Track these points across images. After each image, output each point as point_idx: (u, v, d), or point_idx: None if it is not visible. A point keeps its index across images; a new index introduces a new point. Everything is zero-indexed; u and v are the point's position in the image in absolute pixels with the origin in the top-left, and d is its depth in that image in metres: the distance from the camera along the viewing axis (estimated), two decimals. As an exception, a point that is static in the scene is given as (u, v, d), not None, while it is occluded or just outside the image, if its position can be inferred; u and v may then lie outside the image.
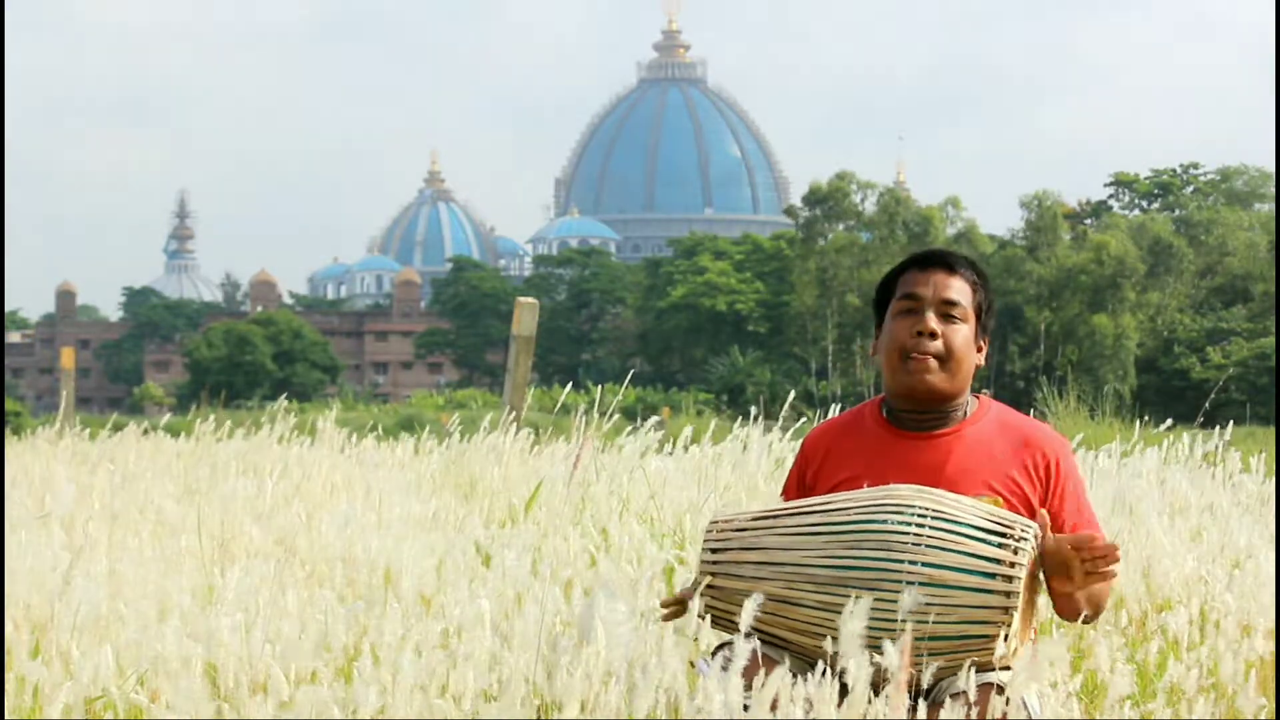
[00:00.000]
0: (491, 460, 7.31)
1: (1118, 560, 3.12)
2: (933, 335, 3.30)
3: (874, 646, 2.89)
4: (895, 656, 2.76)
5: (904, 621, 2.97)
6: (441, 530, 5.51)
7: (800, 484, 3.51)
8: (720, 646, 3.24)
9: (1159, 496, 6.09)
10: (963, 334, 3.34)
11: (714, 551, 3.24)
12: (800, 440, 3.74)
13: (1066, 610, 3.28)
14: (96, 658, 3.53)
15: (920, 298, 3.33)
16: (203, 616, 3.78)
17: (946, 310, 3.33)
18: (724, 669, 2.82)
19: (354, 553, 4.78)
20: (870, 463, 3.38)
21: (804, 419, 9.41)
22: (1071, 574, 3.12)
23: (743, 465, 7.19)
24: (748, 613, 2.90)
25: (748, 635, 3.08)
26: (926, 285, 3.34)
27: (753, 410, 8.32)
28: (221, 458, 8.08)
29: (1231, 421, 7.85)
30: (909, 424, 3.39)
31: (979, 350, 3.41)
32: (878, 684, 2.86)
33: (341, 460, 7.47)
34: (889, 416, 3.42)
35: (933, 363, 3.31)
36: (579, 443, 6.95)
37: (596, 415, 7.71)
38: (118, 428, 9.77)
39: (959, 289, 3.35)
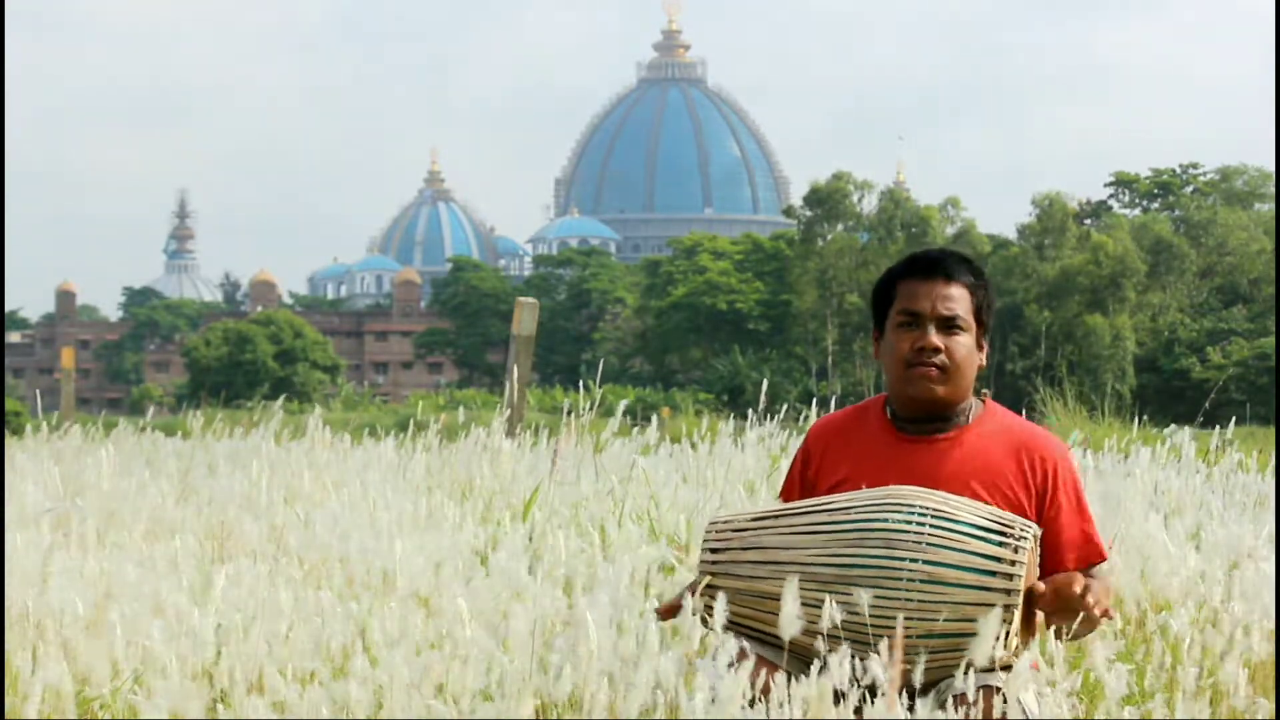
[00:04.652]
0: (487, 459, 7.29)
1: (1101, 605, 3.13)
2: (935, 350, 3.32)
3: (875, 644, 2.89)
4: (886, 656, 2.76)
5: (906, 619, 2.97)
6: (438, 530, 5.50)
7: (803, 477, 3.51)
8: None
9: (1153, 496, 6.08)
10: (964, 344, 3.35)
11: (713, 551, 3.24)
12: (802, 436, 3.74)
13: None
14: (92, 658, 3.52)
15: (920, 313, 3.33)
16: (198, 616, 3.76)
17: (947, 323, 3.34)
18: (729, 667, 2.81)
19: (350, 552, 4.76)
20: (869, 463, 3.39)
21: (805, 419, 9.39)
22: (1070, 620, 3.17)
23: (738, 464, 7.18)
24: (719, 612, 2.91)
25: (744, 635, 3.07)
26: (927, 299, 3.34)
27: (750, 414, 8.30)
28: (215, 456, 8.07)
29: (1228, 422, 7.81)
30: (910, 427, 3.39)
31: (980, 349, 3.41)
32: (874, 684, 2.85)
33: (334, 459, 7.45)
34: (892, 418, 3.42)
35: (935, 373, 3.33)
36: (559, 440, 6.93)
37: (586, 414, 7.67)
38: (109, 427, 9.76)
39: (958, 299, 3.35)
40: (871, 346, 3.49)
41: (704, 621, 3.22)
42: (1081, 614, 3.15)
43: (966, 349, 3.35)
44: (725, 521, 3.29)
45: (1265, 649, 4.02)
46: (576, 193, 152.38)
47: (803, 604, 3.10)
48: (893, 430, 3.41)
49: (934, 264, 3.39)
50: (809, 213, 66.58)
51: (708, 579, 3.22)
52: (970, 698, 2.91)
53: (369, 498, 6.22)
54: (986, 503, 3.28)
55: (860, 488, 3.29)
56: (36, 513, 5.28)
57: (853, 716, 2.81)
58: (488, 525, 5.81)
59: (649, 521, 6.04)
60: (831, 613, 2.96)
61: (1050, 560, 3.33)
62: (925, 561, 3.05)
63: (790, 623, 2.76)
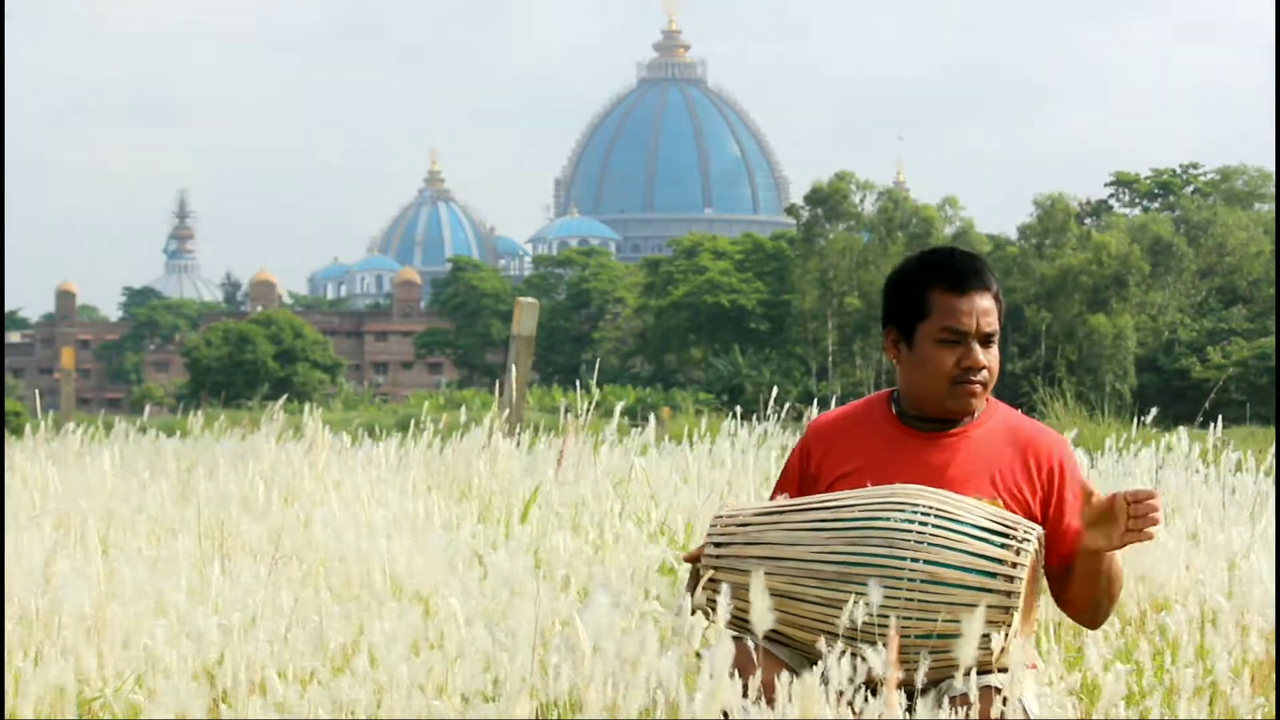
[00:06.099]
0: (485, 459, 7.28)
1: (1158, 515, 3.15)
2: (981, 368, 3.34)
3: (873, 643, 2.90)
4: (882, 656, 2.77)
5: (906, 619, 2.98)
6: (437, 530, 5.50)
7: (802, 472, 3.50)
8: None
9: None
10: (997, 355, 3.39)
11: (717, 545, 3.24)
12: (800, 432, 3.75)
13: (1077, 609, 3.36)
14: (92, 658, 3.53)
15: (966, 331, 3.33)
16: (198, 616, 3.77)
17: (987, 339, 3.36)
18: (731, 664, 2.82)
19: (349, 552, 4.76)
20: (875, 459, 3.39)
21: (804, 418, 9.39)
22: (1113, 529, 3.16)
23: (737, 464, 7.18)
24: (723, 608, 2.91)
25: (746, 631, 3.08)
26: (970, 315, 3.33)
27: (755, 412, 8.28)
28: (215, 456, 8.06)
29: (1220, 419, 7.78)
30: (918, 424, 3.40)
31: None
32: (874, 683, 2.86)
33: (333, 459, 7.44)
34: (899, 415, 3.43)
35: (980, 390, 3.35)
36: (564, 441, 6.94)
37: (587, 414, 7.66)
38: (109, 427, 9.77)
39: (995, 312, 3.37)
40: (885, 347, 3.46)
41: (706, 615, 3.22)
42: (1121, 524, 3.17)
43: (998, 359, 3.39)
44: (730, 515, 3.29)
45: (1263, 648, 4.03)
46: (576, 193, 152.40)
47: (803, 601, 3.12)
48: (900, 426, 3.41)
49: (969, 275, 3.36)
50: (810, 212, 66.57)
51: (711, 572, 3.22)
52: (971, 698, 2.92)
53: (368, 497, 6.22)
54: (993, 498, 3.29)
55: (866, 483, 3.30)
56: (37, 513, 5.28)
57: (850, 715, 2.82)
58: (487, 525, 5.81)
59: (649, 522, 6.04)
60: (850, 611, 2.96)
61: (1056, 551, 3.34)
62: (926, 561, 3.06)
63: (763, 618, 2.76)
